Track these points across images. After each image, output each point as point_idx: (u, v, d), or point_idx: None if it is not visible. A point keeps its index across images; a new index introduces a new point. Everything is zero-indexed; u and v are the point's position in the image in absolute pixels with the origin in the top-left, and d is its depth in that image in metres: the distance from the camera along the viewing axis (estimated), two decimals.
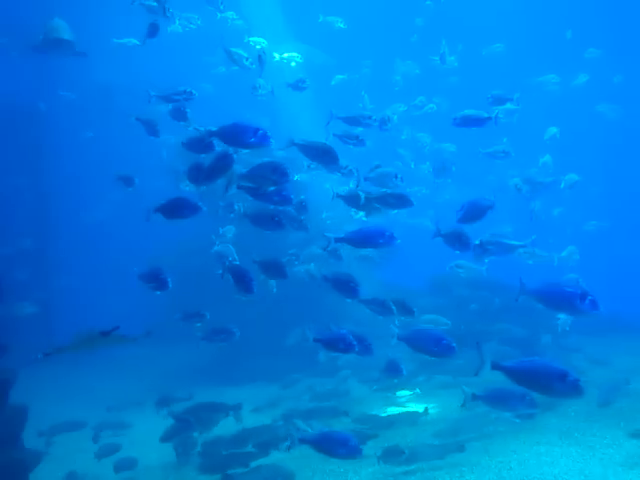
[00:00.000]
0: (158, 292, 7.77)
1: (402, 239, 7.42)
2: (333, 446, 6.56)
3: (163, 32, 11.33)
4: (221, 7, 13.94)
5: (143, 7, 11.02)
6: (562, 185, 11.82)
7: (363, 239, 7.58)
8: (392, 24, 22.88)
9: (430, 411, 10.45)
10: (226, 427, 9.31)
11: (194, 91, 9.69)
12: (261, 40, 15.29)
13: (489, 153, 11.41)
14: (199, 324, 9.10)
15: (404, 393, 12.07)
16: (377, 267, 15.40)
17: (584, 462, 8.13)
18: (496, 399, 7.07)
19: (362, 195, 7.94)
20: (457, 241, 7.79)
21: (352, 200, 8.07)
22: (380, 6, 23.57)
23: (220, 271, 7.79)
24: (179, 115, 9.51)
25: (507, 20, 23.09)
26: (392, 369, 8.89)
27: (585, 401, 9.65)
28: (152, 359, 15.45)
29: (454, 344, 6.63)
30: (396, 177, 8.31)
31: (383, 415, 10.67)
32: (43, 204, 21.40)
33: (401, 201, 7.94)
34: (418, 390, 11.86)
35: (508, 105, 10.85)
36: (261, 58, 10.83)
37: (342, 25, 18.30)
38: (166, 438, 8.92)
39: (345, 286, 7.72)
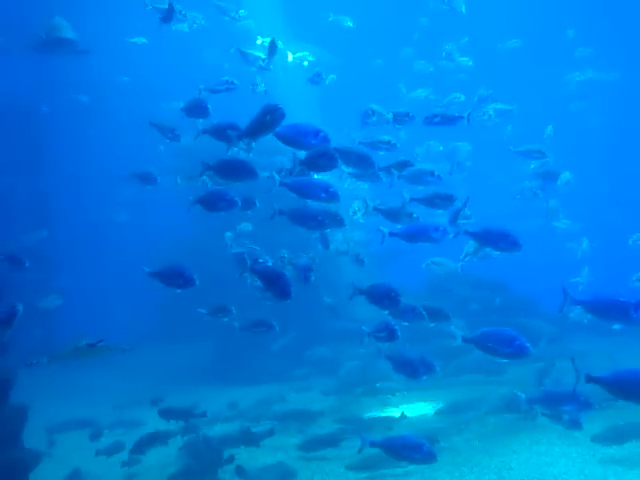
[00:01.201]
0: (179, 290, 7.24)
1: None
2: (408, 451, 6.64)
3: (166, 32, 11.33)
4: (235, 16, 13.86)
5: (155, 10, 11.01)
6: (558, 182, 11.81)
7: (417, 233, 7.38)
8: (395, 22, 22.85)
9: (424, 411, 10.44)
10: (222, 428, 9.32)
11: (236, 81, 9.51)
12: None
13: (521, 152, 11.19)
14: (225, 319, 8.92)
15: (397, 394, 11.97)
16: (375, 266, 15.35)
17: (584, 462, 8.12)
18: (550, 401, 6.92)
19: (407, 196, 7.71)
20: (502, 241, 7.35)
21: (392, 214, 7.79)
22: (382, 4, 23.53)
23: (244, 273, 7.25)
24: (200, 111, 9.35)
25: (507, 18, 23.06)
26: (424, 366, 7.51)
27: None
28: (153, 359, 15.46)
29: (528, 344, 6.20)
30: (432, 175, 8.05)
31: (365, 417, 10.59)
32: (44, 204, 21.38)
33: (449, 201, 7.71)
34: (405, 393, 11.69)
35: (499, 105, 10.82)
36: (272, 48, 10.74)
37: (350, 24, 18.27)
38: (154, 439, 8.86)
39: (385, 297, 7.22)
